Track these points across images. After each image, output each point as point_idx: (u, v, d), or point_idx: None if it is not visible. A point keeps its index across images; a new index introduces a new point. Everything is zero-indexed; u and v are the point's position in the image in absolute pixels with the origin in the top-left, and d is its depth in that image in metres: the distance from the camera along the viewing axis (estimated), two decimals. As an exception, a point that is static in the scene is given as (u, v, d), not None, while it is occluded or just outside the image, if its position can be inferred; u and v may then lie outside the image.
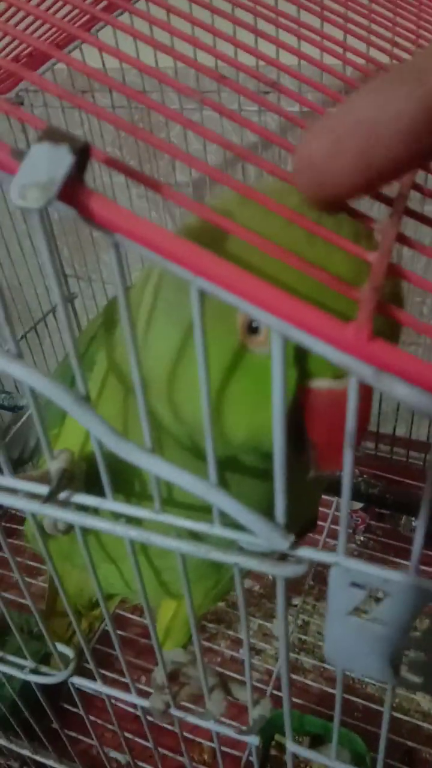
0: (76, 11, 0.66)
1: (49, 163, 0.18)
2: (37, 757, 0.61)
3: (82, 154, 0.19)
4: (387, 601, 0.26)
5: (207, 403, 0.23)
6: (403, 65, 0.20)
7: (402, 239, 0.25)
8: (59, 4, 0.56)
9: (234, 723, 0.50)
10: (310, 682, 0.83)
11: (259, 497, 0.29)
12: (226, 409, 0.30)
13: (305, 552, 0.27)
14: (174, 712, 0.41)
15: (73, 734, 0.74)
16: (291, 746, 0.39)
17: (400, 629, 0.27)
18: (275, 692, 0.82)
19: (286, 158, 0.99)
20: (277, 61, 0.37)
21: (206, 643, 0.89)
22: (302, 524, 0.44)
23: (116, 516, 0.30)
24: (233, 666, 0.86)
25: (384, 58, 0.47)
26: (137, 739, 0.76)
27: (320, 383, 0.28)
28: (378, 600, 0.26)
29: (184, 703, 0.43)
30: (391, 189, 0.27)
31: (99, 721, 0.78)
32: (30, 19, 0.57)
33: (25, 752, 0.61)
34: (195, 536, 0.30)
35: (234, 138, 1.02)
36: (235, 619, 0.91)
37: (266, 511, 0.25)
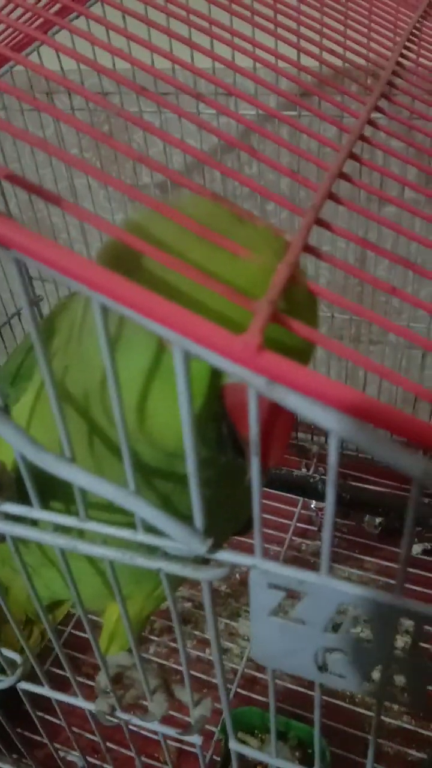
0: (30, 15, 0.65)
1: None
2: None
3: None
4: (305, 601, 0.27)
5: (118, 406, 0.24)
6: None
7: (308, 249, 0.25)
8: (11, 6, 0.56)
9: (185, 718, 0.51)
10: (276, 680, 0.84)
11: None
12: (152, 413, 0.30)
13: (225, 555, 0.27)
14: (119, 714, 0.41)
15: (38, 738, 0.74)
16: (233, 745, 0.39)
17: (320, 628, 0.27)
18: (240, 690, 0.83)
19: (249, 161, 1.00)
20: (233, 63, 0.38)
21: (172, 644, 0.90)
22: (245, 521, 0.45)
23: (51, 525, 0.30)
24: (199, 666, 0.86)
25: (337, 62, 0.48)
26: (99, 741, 0.77)
27: (233, 378, 0.29)
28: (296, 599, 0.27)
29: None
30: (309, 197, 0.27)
31: (63, 724, 0.78)
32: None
33: (-16, 759, 0.61)
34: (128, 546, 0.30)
35: (194, 139, 1.02)
36: (202, 620, 0.92)
37: (208, 516, 0.26)
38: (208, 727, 0.79)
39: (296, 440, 1.08)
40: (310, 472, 1.00)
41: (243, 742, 0.76)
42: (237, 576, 0.97)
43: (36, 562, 0.41)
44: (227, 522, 0.40)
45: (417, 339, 0.25)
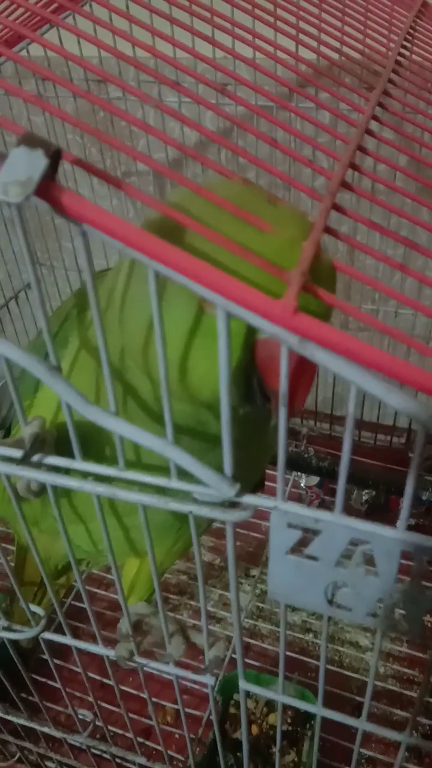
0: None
1: (26, 165, 0.22)
2: (9, 717, 0.64)
3: (55, 156, 0.22)
4: (318, 538, 0.30)
5: (163, 362, 0.27)
6: None
7: (328, 231, 0.29)
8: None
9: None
10: (267, 646, 0.89)
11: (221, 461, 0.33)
12: (191, 367, 0.34)
13: (249, 499, 0.31)
14: (137, 659, 0.45)
15: (43, 703, 0.78)
16: (243, 684, 0.43)
17: (331, 563, 0.31)
18: (234, 656, 0.87)
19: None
20: (227, 69, 0.41)
21: (169, 613, 0.93)
22: (252, 485, 0.49)
23: (85, 477, 0.33)
24: (191, 646, 0.90)
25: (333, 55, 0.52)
26: (104, 705, 0.81)
27: (265, 335, 0.32)
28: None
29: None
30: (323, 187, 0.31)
31: (67, 689, 0.82)
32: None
33: (-3, 713, 0.64)
34: (161, 493, 0.33)
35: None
36: (197, 591, 0.96)
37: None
38: (204, 689, 0.83)
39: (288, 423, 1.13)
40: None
41: (239, 702, 0.81)
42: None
43: (65, 519, 0.45)
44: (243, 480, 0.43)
45: (399, 335, 0.28)
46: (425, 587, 0.31)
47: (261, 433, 0.43)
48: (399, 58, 0.53)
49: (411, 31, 0.61)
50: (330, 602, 0.33)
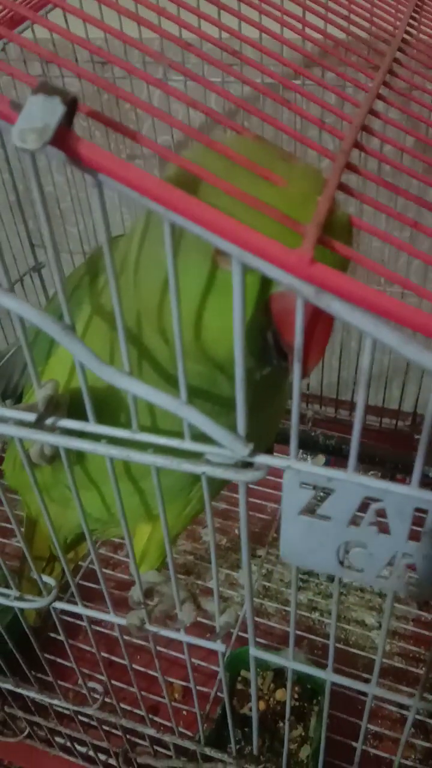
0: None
1: (43, 112, 0.22)
2: (20, 690, 0.65)
3: (71, 105, 0.22)
4: (331, 497, 0.31)
5: (177, 320, 0.27)
6: None
7: (342, 187, 0.29)
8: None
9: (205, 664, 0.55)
10: (273, 624, 0.89)
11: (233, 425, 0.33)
12: (205, 326, 0.34)
13: (262, 459, 0.31)
14: (148, 627, 0.45)
15: (50, 680, 0.78)
16: (253, 651, 0.44)
17: (343, 523, 0.31)
18: (241, 634, 0.87)
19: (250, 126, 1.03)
20: (239, 33, 0.41)
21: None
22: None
23: (98, 441, 0.34)
24: (201, 613, 0.91)
25: (340, 34, 0.51)
26: (113, 681, 0.81)
27: (281, 287, 0.32)
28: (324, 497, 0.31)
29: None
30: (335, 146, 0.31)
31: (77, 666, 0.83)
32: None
33: (8, 686, 0.65)
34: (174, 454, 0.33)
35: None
36: (204, 571, 0.97)
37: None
38: (211, 667, 0.84)
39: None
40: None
41: (246, 680, 0.82)
42: (236, 531, 1.02)
43: (77, 484, 0.45)
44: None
45: (419, 290, 0.28)
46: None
47: (272, 398, 0.43)
48: (405, 36, 0.53)
49: (417, 8, 0.61)
50: (341, 563, 0.34)
